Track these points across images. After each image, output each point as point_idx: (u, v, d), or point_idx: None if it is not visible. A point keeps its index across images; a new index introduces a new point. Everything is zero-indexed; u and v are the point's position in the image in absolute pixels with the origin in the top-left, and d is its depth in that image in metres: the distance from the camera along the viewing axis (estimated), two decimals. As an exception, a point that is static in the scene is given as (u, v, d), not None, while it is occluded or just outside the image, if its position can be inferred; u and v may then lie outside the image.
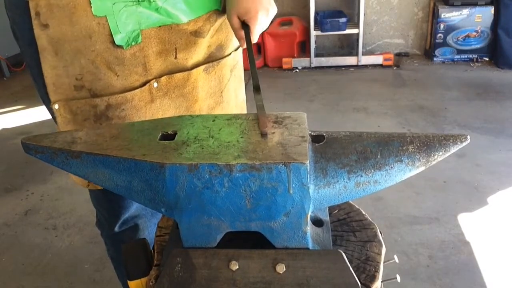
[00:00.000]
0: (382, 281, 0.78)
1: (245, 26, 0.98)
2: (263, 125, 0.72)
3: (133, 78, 0.98)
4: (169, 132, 0.75)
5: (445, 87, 3.62)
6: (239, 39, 1.01)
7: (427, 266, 1.90)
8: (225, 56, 1.12)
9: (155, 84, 1.00)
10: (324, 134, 0.74)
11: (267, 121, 0.73)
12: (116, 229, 1.20)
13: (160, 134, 0.74)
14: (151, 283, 0.74)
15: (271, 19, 1.01)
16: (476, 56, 4.02)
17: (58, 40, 0.91)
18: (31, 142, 0.74)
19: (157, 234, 0.87)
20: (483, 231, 2.08)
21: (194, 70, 1.04)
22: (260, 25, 0.98)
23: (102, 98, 0.97)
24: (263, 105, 0.76)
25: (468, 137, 0.71)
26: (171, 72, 1.02)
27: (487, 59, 4.02)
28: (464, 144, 0.70)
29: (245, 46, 0.99)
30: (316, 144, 0.72)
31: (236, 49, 1.17)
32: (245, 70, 1.27)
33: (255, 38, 0.99)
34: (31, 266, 2.06)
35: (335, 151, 0.70)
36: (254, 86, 0.82)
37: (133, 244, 0.81)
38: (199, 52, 1.05)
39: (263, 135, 0.70)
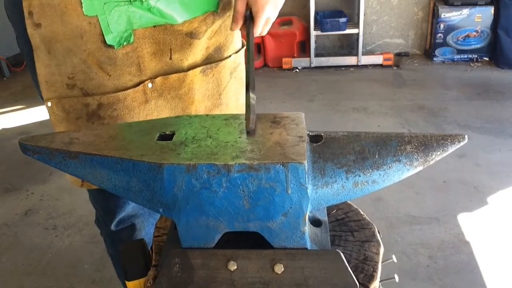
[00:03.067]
0: (380, 281, 0.78)
1: (249, 20, 0.97)
2: (249, 122, 0.73)
3: (126, 78, 0.97)
4: (167, 133, 0.75)
5: (445, 87, 3.61)
6: (235, 21, 0.99)
7: (427, 266, 1.90)
8: (224, 58, 1.11)
9: (150, 85, 0.99)
10: (322, 134, 0.74)
11: (253, 119, 0.74)
12: (113, 227, 1.20)
13: (158, 134, 0.74)
14: (149, 284, 0.74)
15: (279, 10, 1.00)
16: (476, 56, 4.02)
17: (50, 39, 0.92)
18: (28, 142, 0.74)
19: (155, 234, 0.87)
20: (483, 231, 2.08)
21: (191, 72, 1.04)
22: (265, 16, 0.97)
23: (94, 97, 0.97)
24: (253, 104, 0.76)
25: (466, 136, 0.71)
26: (166, 73, 1.01)
27: (487, 59, 4.02)
28: (462, 143, 0.70)
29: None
30: (314, 144, 0.72)
31: (237, 51, 1.16)
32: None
33: (257, 31, 0.98)
34: (31, 266, 2.06)
35: (333, 151, 0.70)
36: (246, 84, 0.81)
37: (131, 245, 0.81)
38: (196, 53, 1.04)
39: (249, 132, 0.72)
